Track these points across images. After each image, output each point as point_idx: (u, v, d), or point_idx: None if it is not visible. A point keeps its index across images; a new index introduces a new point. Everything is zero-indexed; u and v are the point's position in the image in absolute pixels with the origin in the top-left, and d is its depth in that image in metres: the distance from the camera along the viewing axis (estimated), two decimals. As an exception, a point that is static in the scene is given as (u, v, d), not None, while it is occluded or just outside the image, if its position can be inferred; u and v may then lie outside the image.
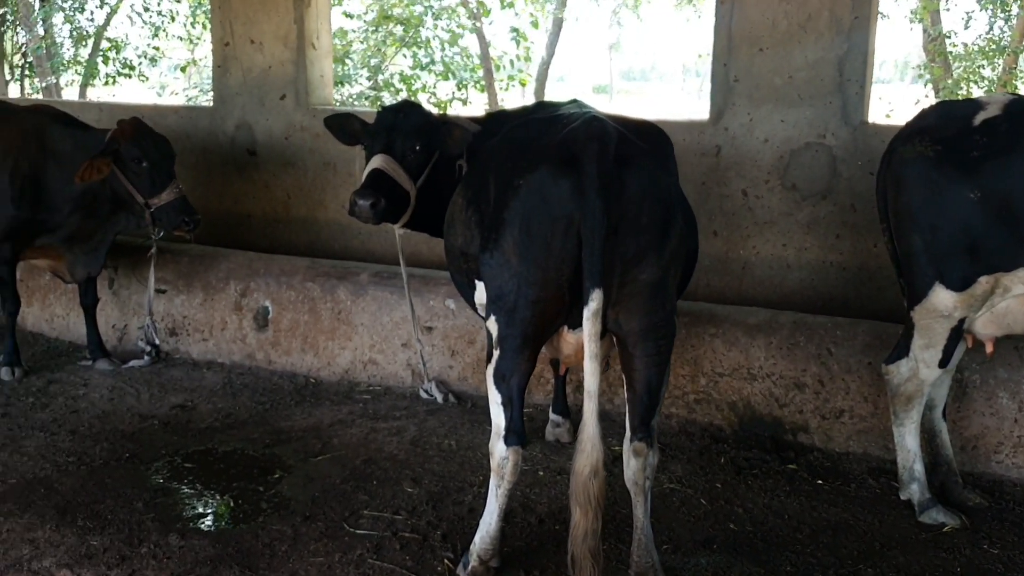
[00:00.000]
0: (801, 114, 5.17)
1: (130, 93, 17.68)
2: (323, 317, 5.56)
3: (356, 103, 13.71)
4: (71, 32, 15.49)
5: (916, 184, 3.78)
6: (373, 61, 13.97)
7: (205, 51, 16.08)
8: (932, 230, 3.73)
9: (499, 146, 3.58)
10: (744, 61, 5.28)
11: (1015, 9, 14.30)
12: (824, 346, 4.58)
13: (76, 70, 16.00)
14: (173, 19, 15.78)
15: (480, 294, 3.60)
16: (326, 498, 4.06)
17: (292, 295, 5.64)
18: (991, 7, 14.45)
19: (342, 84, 13.48)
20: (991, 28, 14.80)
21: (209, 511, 4.03)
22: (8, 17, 14.73)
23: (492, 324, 3.30)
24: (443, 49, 14.04)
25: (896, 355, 3.97)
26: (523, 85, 14.56)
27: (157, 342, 5.85)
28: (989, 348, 3.91)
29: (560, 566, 3.46)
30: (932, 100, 13.20)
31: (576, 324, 3.21)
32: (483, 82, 14.42)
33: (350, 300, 5.51)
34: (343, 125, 4.49)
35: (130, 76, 15.82)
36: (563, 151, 3.13)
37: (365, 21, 13.98)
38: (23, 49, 15.51)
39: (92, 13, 15.41)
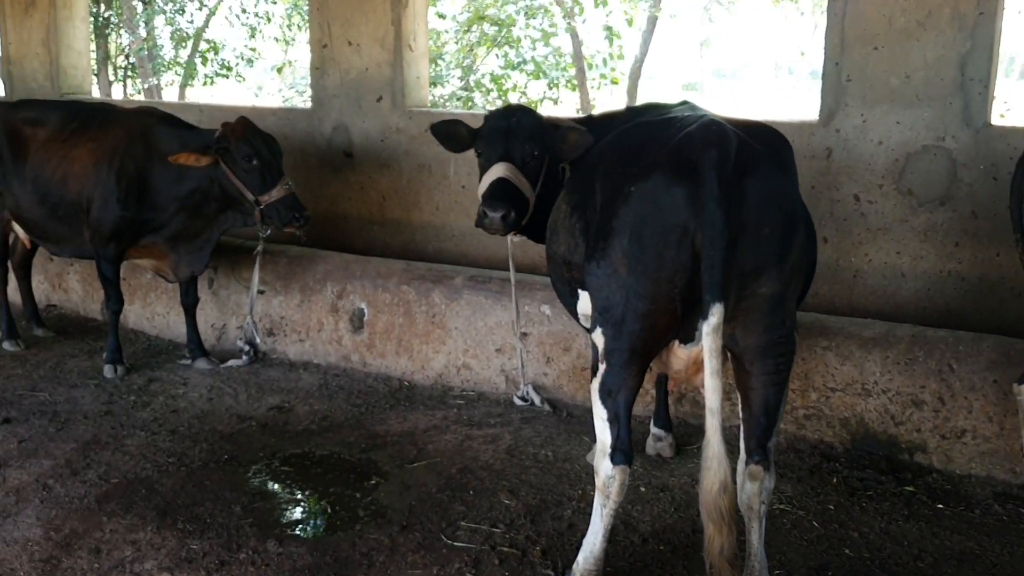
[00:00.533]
0: (919, 115, 4.89)
1: (228, 94, 18.10)
2: (417, 320, 5.52)
3: (447, 104, 13.72)
4: (171, 34, 15.90)
5: None
6: (465, 62, 13.96)
7: (299, 52, 16.34)
8: None
9: (607, 150, 3.44)
10: (858, 60, 5.03)
11: None
12: (945, 362, 4.32)
13: (176, 71, 16.43)
14: (269, 20, 16.08)
15: (584, 304, 3.47)
16: (423, 507, 4.00)
17: (387, 297, 5.61)
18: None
19: (434, 85, 13.51)
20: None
21: (306, 517, 4.00)
22: (113, 20, 15.21)
23: (598, 337, 3.17)
24: (535, 48, 13.94)
25: (1029, 374, 3.71)
26: (615, 84, 14.35)
27: (257, 341, 5.89)
28: None
29: (666, 589, 3.33)
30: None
31: (688, 339, 3.06)
32: (574, 81, 14.27)
33: (444, 304, 5.45)
34: (450, 132, 4.38)
35: (227, 77, 16.17)
36: (679, 157, 2.98)
37: (458, 22, 13.98)
38: (126, 51, 15.99)
39: (192, 15, 15.81)
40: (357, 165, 6.64)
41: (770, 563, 3.39)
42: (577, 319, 3.82)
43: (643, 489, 4.15)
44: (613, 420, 3.15)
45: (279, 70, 14.63)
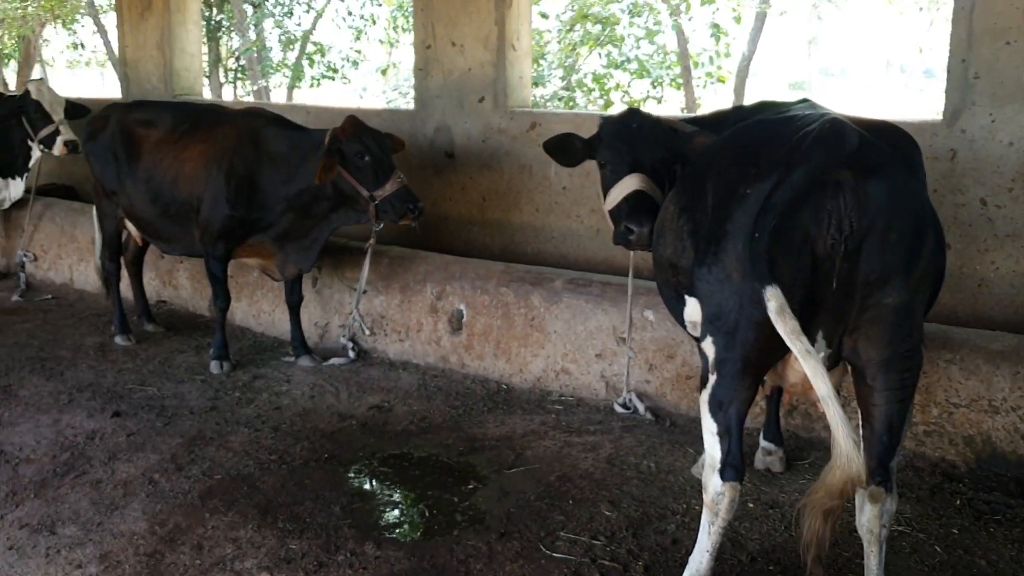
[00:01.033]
0: (1055, 114, 4.57)
1: (334, 96, 18.44)
2: (516, 323, 5.45)
3: (549, 104, 13.65)
4: (279, 37, 16.29)
5: None
6: (567, 61, 13.85)
7: (403, 54, 16.52)
8: None
9: (721, 149, 3.29)
10: (987, 55, 4.73)
11: None
12: (1082, 379, 4.01)
13: (284, 73, 16.81)
14: (374, 22, 16.31)
15: (692, 311, 3.33)
16: (521, 515, 3.91)
17: (486, 299, 5.56)
18: None
19: (536, 85, 13.45)
20: None
21: (405, 520, 3.97)
22: (224, 23, 15.66)
23: (708, 346, 3.03)
24: (638, 47, 13.73)
25: None
26: (722, 82, 14.02)
27: (367, 332, 5.91)
28: None
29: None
30: None
31: None
32: (679, 80, 14.00)
33: (543, 307, 5.36)
34: (564, 146, 4.30)
35: (333, 79, 16.47)
36: (798, 157, 2.82)
37: (561, 21, 13.88)
38: (236, 54, 16.45)
39: (299, 18, 16.16)
40: (458, 166, 6.62)
41: (889, 590, 3.19)
42: (684, 326, 3.68)
43: (751, 505, 3.97)
44: (724, 434, 3.01)
45: (383, 72, 14.81)
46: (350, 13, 15.86)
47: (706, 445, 3.10)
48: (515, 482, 4.24)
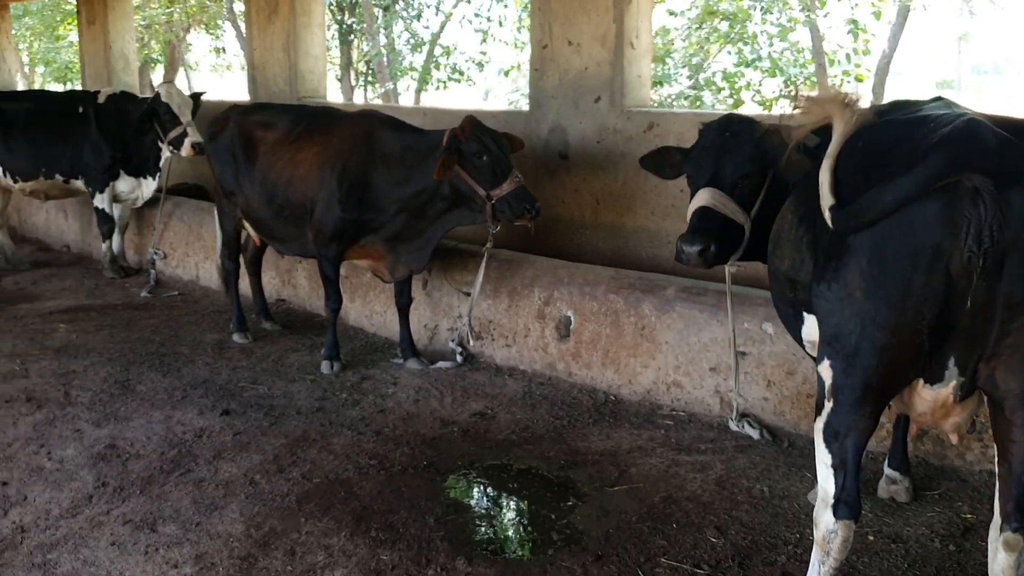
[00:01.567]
0: None
1: (458, 98, 18.57)
2: (626, 332, 5.23)
3: (674, 104, 13.30)
4: (407, 40, 16.50)
5: None
6: (695, 59, 13.47)
7: (527, 55, 16.42)
8: None
9: (845, 153, 3.01)
10: None
11: None
12: None
13: (411, 76, 17.02)
14: (501, 24, 16.30)
15: (809, 330, 3.06)
16: (620, 537, 3.71)
17: (595, 306, 5.37)
18: None
19: (661, 84, 13.13)
20: None
21: (499, 536, 3.83)
22: (355, 27, 15.97)
23: (825, 369, 2.76)
24: (771, 44, 13.21)
25: None
26: (859, 81, 13.32)
27: (471, 342, 5.83)
28: None
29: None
30: None
31: (936, 379, 2.60)
32: (814, 78, 13.39)
33: (655, 316, 5.13)
34: (660, 161, 4.19)
35: (459, 81, 16.56)
36: (933, 163, 2.52)
37: (688, 18, 13.51)
38: (367, 57, 16.76)
39: (427, 21, 16.32)
40: (572, 167, 6.45)
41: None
42: (802, 345, 3.40)
43: (872, 538, 3.65)
44: (838, 467, 2.73)
45: (506, 73, 14.79)
46: (477, 15, 15.92)
47: (819, 477, 2.83)
48: (617, 501, 4.04)
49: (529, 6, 6.70)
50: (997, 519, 2.65)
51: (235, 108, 6.39)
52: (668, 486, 4.15)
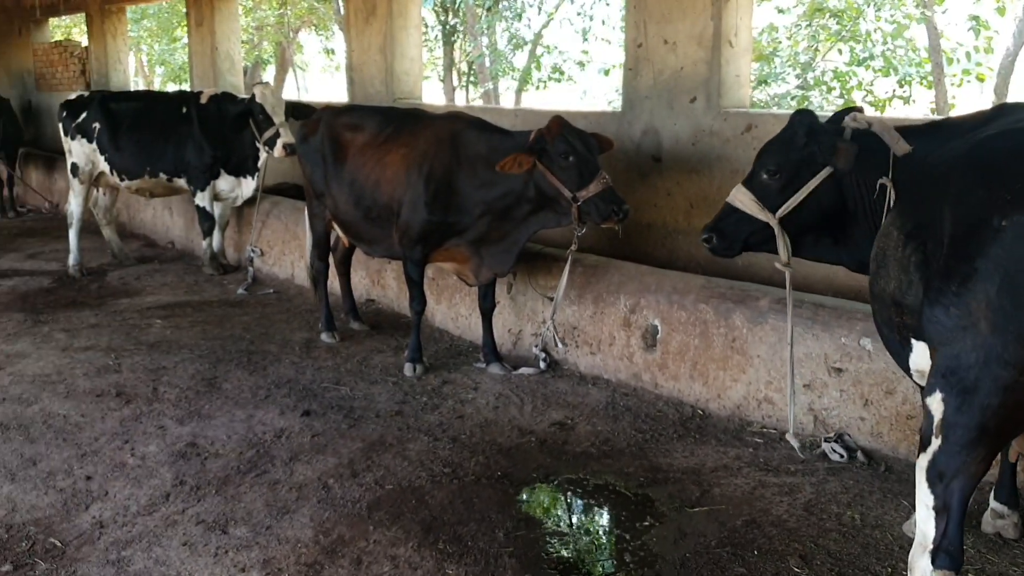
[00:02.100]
0: None
1: (558, 98, 18.42)
2: (715, 343, 5.01)
3: (780, 104, 12.85)
4: (509, 39, 16.44)
5: None
6: (803, 58, 12.97)
7: (625, 54, 16.15)
8: None
9: (960, 164, 2.73)
10: None
11: None
12: None
13: (512, 76, 16.97)
14: (603, 23, 16.09)
15: (919, 358, 2.79)
16: (697, 562, 3.52)
17: (683, 316, 5.16)
18: None
19: (766, 84, 12.70)
20: None
21: (569, 555, 3.68)
22: (458, 27, 16.02)
23: (935, 403, 2.50)
24: (885, 42, 12.60)
25: None
26: (981, 80, 12.57)
27: (560, 346, 5.69)
28: None
29: None
30: None
31: None
32: (930, 77, 12.73)
33: (746, 327, 4.89)
34: None
35: (559, 81, 16.42)
36: None
37: (796, 15, 13.01)
38: (469, 57, 16.79)
39: (529, 21, 16.23)
40: (665, 170, 6.24)
41: None
42: (909, 375, 3.14)
43: (973, 578, 3.37)
44: (941, 511, 2.48)
45: (606, 73, 14.58)
46: (579, 14, 15.74)
47: (918, 519, 2.58)
48: (696, 523, 3.84)
49: (625, 5, 6.52)
50: None
51: (326, 110, 6.42)
52: (752, 509, 3.93)
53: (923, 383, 2.78)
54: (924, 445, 2.57)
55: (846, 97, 12.99)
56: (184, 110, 8.26)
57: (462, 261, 5.77)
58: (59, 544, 3.74)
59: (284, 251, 8.24)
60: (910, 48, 12.97)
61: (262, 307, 7.37)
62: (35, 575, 3.54)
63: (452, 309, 6.62)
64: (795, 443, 4.37)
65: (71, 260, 8.54)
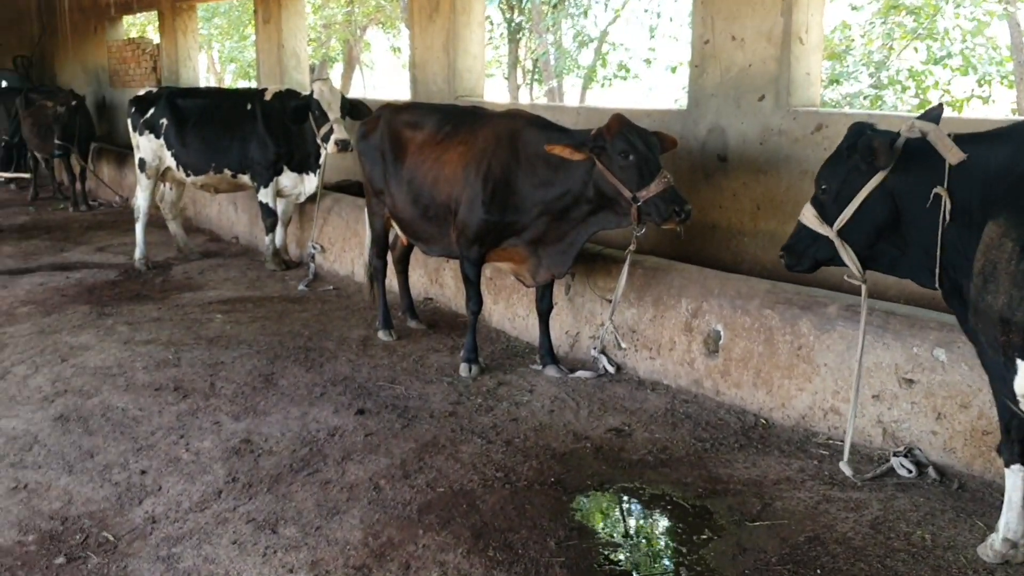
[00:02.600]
0: None
1: (619, 96, 18.21)
2: (780, 350, 4.83)
3: (852, 103, 12.48)
4: (575, 37, 16.30)
5: None
6: (877, 57, 12.58)
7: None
8: None
9: None
10: None
11: None
12: None
13: (577, 74, 16.82)
14: (671, 20, 15.85)
15: None
16: (756, 580, 3.38)
17: (747, 321, 4.99)
18: None
19: (838, 82, 12.35)
20: None
21: (623, 567, 3.56)
22: (523, 25, 15.93)
23: None
24: (964, 40, 12.16)
25: None
26: (1065, 80, 12.07)
27: (622, 347, 5.56)
28: None
29: None
30: None
31: None
32: (1012, 77, 12.24)
33: (813, 335, 4.70)
34: None
35: (625, 78, 16.22)
36: None
37: (871, 13, 12.62)
38: (534, 55, 16.69)
39: (596, 17, 16.07)
40: (731, 170, 6.07)
41: None
42: (1011, 399, 2.95)
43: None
44: None
45: (673, 70, 14.34)
46: (646, 11, 15.54)
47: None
48: (756, 538, 3.69)
49: (692, 1, 6.35)
50: None
51: (386, 107, 6.39)
52: (816, 525, 3.77)
53: None
54: None
55: (921, 97, 12.57)
56: (249, 107, 8.32)
57: (520, 261, 5.68)
58: (112, 538, 3.76)
59: (344, 248, 8.25)
60: (991, 46, 12.48)
61: (321, 304, 7.38)
62: (87, 569, 3.56)
63: (509, 309, 6.54)
64: (848, 471, 4.18)
65: (137, 253, 8.68)
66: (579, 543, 3.69)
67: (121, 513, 3.96)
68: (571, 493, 4.12)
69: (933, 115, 3.78)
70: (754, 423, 4.86)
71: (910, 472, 4.15)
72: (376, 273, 6.61)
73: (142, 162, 8.68)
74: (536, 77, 17.21)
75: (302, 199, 8.56)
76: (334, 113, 7.44)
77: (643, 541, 3.76)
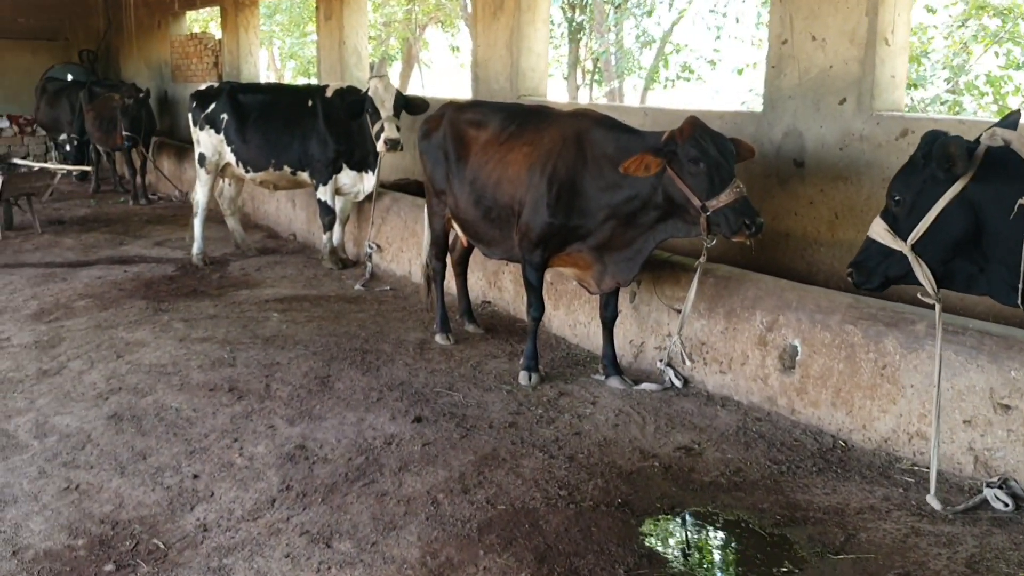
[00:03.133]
0: None
1: (686, 97, 17.88)
2: (862, 369, 4.55)
3: (928, 108, 12.03)
4: (637, 37, 16.01)
5: None
6: (956, 60, 12.11)
7: (764, 54, 15.49)
8: None
9: None
10: None
11: None
12: None
13: (639, 74, 16.52)
14: (737, 20, 15.47)
15: None
16: (843, 621, 3.13)
17: (827, 337, 4.71)
18: None
19: (915, 87, 11.90)
20: None
21: (696, 599, 3.34)
22: (585, 24, 15.69)
23: None
24: (1048, 44, 11.65)
25: None
26: None
27: (687, 362, 5.31)
28: None
29: None
30: None
31: None
32: (1098, 83, 11.70)
33: (899, 353, 4.41)
34: None
35: (688, 80, 15.90)
36: None
37: (951, 15, 12.15)
38: (595, 55, 16.44)
39: (659, 18, 15.76)
40: (808, 176, 5.78)
41: None
42: None
43: None
44: None
45: (740, 72, 13.99)
46: (711, 11, 15.19)
47: None
48: (841, 572, 3.43)
49: (767, 1, 6.09)
50: None
51: (449, 105, 6.22)
52: (905, 561, 3.50)
53: None
54: None
55: (1000, 103, 12.07)
56: (310, 103, 8.23)
57: (584, 268, 5.46)
58: (162, 546, 3.63)
59: (402, 248, 8.11)
60: (1075, 51, 11.95)
61: (378, 304, 7.24)
62: (136, 578, 3.44)
63: (570, 316, 6.32)
64: (937, 505, 3.89)
65: (195, 249, 8.65)
66: (650, 571, 3.47)
67: (172, 519, 3.84)
68: (639, 516, 3.89)
69: (1010, 121, 3.54)
70: (832, 445, 4.59)
71: (1007, 506, 3.85)
72: (435, 275, 6.44)
73: (202, 157, 8.64)
74: (596, 78, 16.95)
75: (360, 197, 8.45)
76: (386, 111, 7.31)
77: (719, 572, 3.52)
